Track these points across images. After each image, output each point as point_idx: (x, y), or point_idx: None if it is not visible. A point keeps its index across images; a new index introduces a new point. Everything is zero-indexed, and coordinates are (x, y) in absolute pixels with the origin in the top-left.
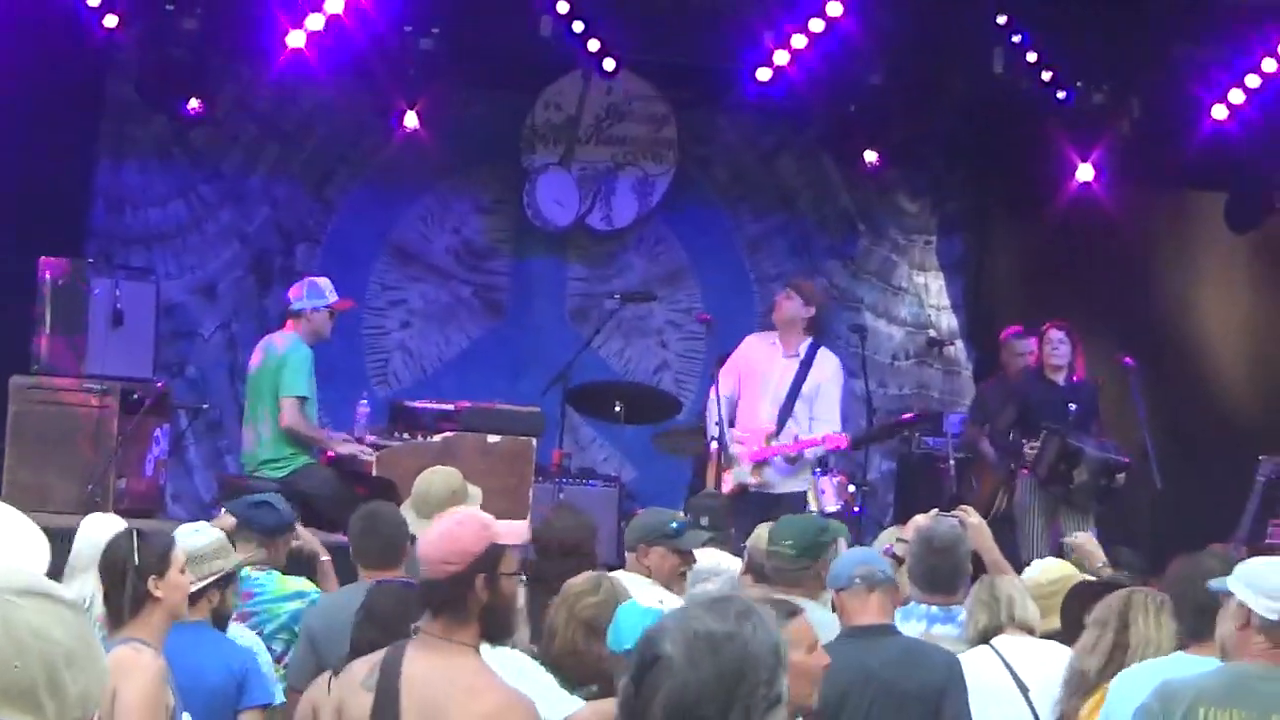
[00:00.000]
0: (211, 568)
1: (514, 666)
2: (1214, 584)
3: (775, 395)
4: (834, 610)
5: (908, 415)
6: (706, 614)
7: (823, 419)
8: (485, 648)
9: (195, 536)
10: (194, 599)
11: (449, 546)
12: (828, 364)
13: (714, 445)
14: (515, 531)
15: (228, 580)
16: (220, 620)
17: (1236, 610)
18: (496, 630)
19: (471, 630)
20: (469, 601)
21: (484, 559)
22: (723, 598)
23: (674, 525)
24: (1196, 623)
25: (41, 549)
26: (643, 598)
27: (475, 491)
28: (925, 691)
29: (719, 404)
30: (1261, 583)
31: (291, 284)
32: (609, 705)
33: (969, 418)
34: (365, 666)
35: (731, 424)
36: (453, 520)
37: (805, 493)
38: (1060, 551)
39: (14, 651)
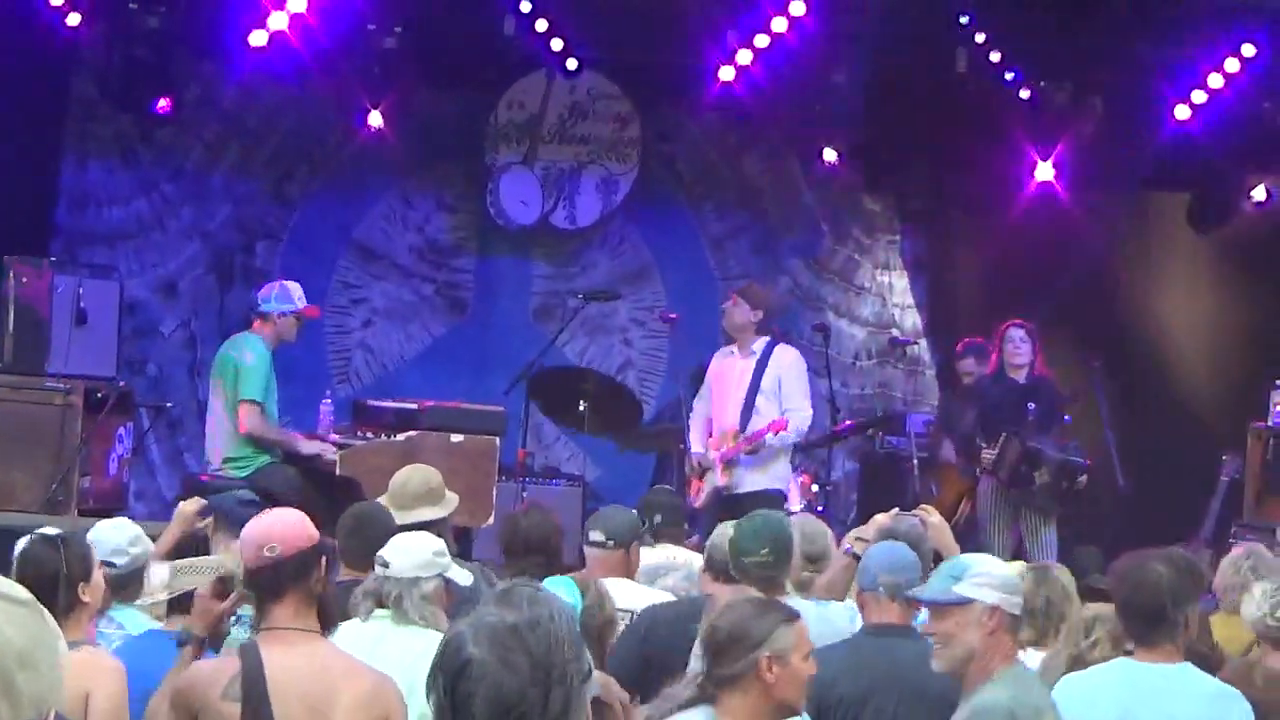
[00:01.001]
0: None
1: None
2: (927, 593)
3: (736, 397)
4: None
5: (870, 417)
6: (501, 608)
7: (793, 407)
8: (425, 633)
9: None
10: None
11: (298, 529)
12: (784, 356)
13: (693, 458)
14: (404, 562)
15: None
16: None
17: (983, 614)
18: (328, 620)
19: (314, 617)
20: (310, 583)
21: (322, 547)
22: (507, 589)
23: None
24: (1142, 630)
25: None
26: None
27: (452, 496)
28: (950, 694)
29: (697, 424)
30: (991, 576)
31: (252, 282)
32: None
33: (935, 423)
34: (218, 676)
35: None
36: (283, 513)
37: (780, 491)
38: (1020, 554)
39: None
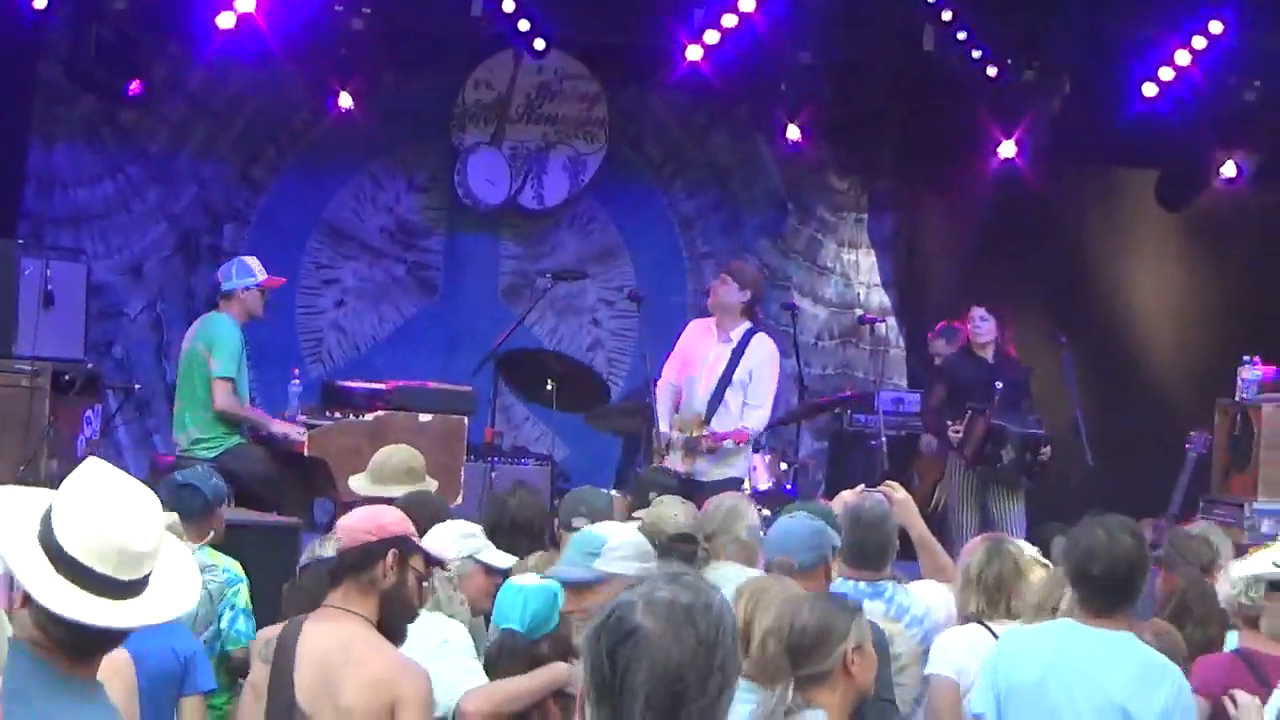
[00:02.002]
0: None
1: (440, 636)
2: (566, 574)
3: (708, 382)
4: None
5: (842, 395)
6: (672, 586)
7: (754, 404)
8: (434, 616)
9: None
10: None
11: (371, 520)
12: (761, 349)
13: (660, 437)
14: (433, 545)
15: None
16: None
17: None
18: (395, 619)
19: (370, 605)
20: (374, 574)
21: (399, 540)
22: (676, 573)
23: None
24: (1106, 600)
25: None
26: None
27: (432, 481)
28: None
29: (664, 394)
30: (627, 547)
31: (219, 264)
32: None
33: (921, 415)
34: (265, 637)
35: (677, 409)
36: (380, 507)
37: (736, 479)
38: (988, 530)
39: None
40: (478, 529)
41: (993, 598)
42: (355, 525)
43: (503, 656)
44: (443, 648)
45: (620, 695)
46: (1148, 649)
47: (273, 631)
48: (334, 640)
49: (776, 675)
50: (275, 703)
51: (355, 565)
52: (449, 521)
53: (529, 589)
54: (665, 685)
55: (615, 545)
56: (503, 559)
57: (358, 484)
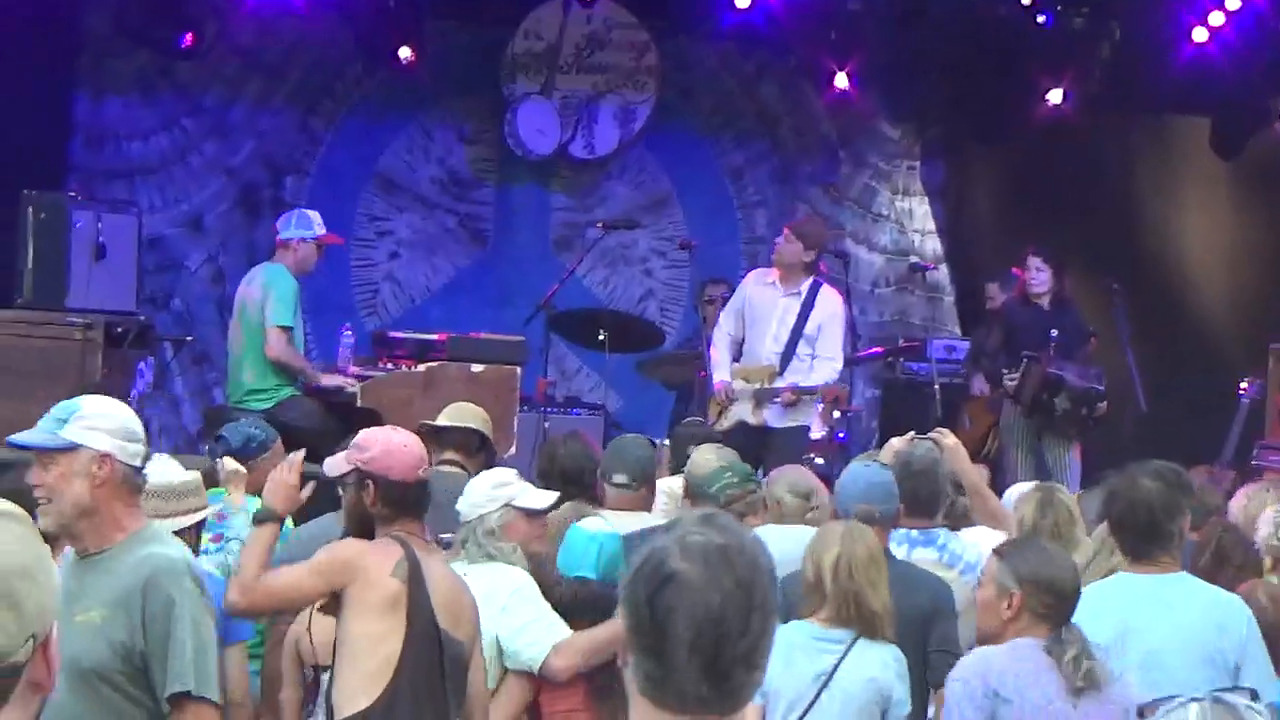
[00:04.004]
0: (187, 504)
1: (509, 585)
2: (29, 439)
3: (777, 335)
4: None
5: (896, 345)
6: (705, 529)
7: (825, 356)
8: (495, 567)
9: (167, 472)
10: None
11: (417, 456)
12: (829, 302)
13: (716, 383)
14: (471, 499)
15: (201, 521)
16: None
17: (92, 462)
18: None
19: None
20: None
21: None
22: (709, 514)
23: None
24: (1136, 544)
25: None
26: None
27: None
28: (915, 615)
29: (722, 345)
30: (106, 418)
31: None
32: (601, 631)
33: (967, 356)
34: (386, 556)
35: (736, 361)
36: (398, 432)
37: (804, 427)
38: (1043, 479)
39: None
40: (512, 475)
41: None
42: (410, 462)
43: (578, 606)
44: (515, 596)
45: (664, 641)
46: (1208, 586)
47: (387, 550)
48: (442, 571)
49: None
50: (416, 621)
51: (418, 501)
52: (483, 474)
53: (602, 535)
54: (708, 629)
55: (91, 414)
56: (539, 499)
57: None
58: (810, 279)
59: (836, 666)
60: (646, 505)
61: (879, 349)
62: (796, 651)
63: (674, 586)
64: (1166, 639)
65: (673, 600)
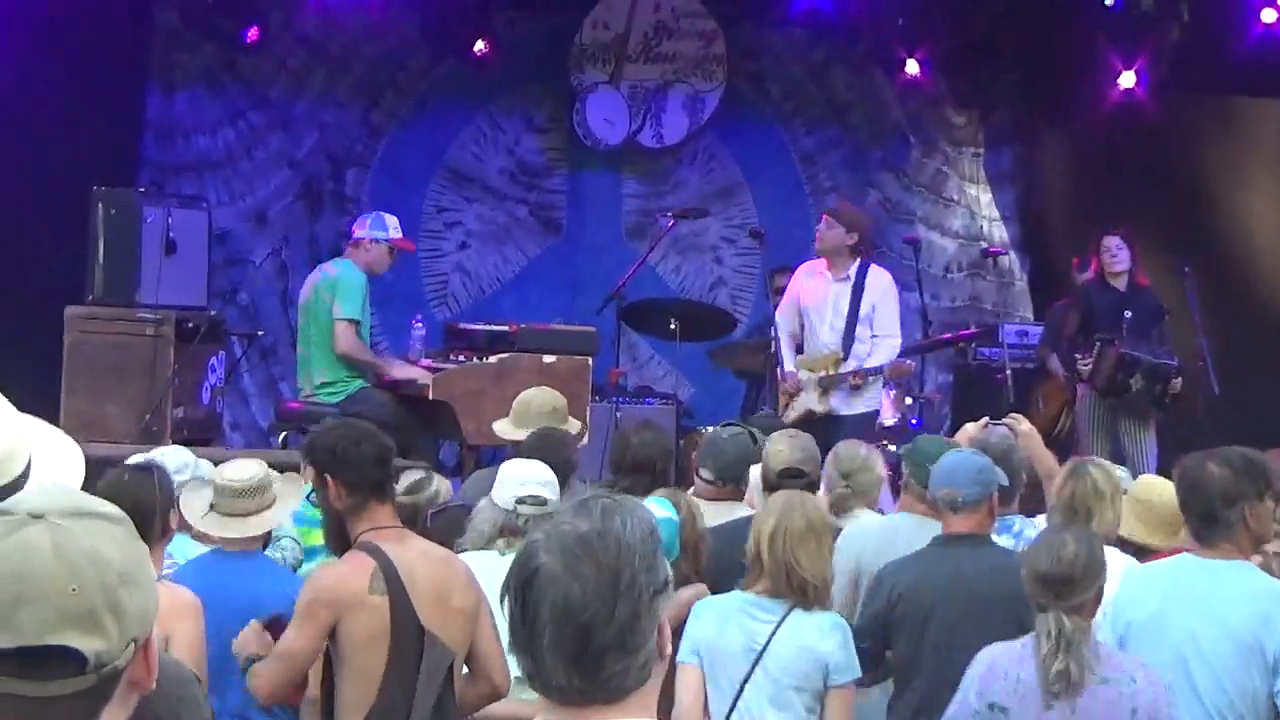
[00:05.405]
0: (265, 500)
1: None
2: None
3: (833, 323)
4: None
5: (966, 331)
6: (575, 517)
7: (885, 335)
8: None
9: (240, 470)
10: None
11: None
12: (880, 281)
13: (787, 377)
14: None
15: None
16: None
17: None
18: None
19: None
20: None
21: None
22: (587, 498)
23: None
24: (1198, 528)
25: (77, 463)
26: None
27: (575, 423)
28: (1011, 601)
29: (784, 339)
30: None
31: (343, 209)
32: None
33: (1040, 338)
34: (360, 574)
35: (799, 353)
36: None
37: (873, 413)
38: (1120, 462)
39: (69, 575)
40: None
41: (1069, 519)
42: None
43: None
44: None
45: (533, 637)
46: (1263, 576)
47: (360, 565)
48: (420, 558)
49: None
50: (400, 630)
51: (389, 485)
52: (513, 464)
53: (663, 521)
54: (567, 621)
55: None
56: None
57: (502, 428)
58: (857, 261)
59: (771, 636)
60: (737, 496)
61: (948, 335)
62: (729, 620)
63: (539, 579)
64: (1205, 625)
65: (538, 594)
